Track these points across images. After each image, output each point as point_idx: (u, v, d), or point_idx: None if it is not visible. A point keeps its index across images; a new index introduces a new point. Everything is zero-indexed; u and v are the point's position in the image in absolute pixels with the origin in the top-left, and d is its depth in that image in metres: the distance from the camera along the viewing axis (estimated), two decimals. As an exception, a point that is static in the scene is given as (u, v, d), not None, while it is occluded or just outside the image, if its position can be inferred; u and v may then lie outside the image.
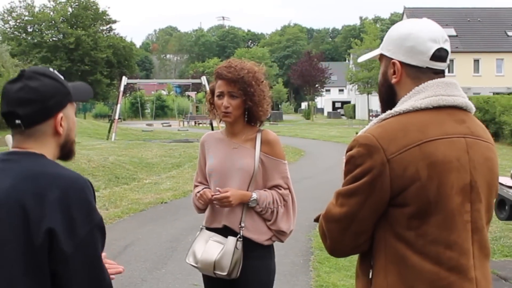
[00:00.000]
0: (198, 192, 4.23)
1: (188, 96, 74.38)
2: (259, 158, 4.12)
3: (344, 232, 2.63)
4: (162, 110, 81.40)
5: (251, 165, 4.11)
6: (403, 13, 74.15)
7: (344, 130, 46.94)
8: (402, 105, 2.63)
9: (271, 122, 57.58)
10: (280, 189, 4.16)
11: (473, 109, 2.70)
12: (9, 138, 10.57)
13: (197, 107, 66.16)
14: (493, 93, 45.62)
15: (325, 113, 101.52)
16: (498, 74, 65.69)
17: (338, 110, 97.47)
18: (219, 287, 4.23)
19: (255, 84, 4.11)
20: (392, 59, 2.68)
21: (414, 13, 70.15)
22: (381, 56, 2.77)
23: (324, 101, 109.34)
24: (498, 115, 33.54)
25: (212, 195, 4.03)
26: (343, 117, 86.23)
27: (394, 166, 2.49)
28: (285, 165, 4.26)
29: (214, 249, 4.09)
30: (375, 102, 71.25)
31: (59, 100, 2.68)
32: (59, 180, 2.52)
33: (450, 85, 2.66)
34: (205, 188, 4.23)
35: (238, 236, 4.06)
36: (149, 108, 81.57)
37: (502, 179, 7.17)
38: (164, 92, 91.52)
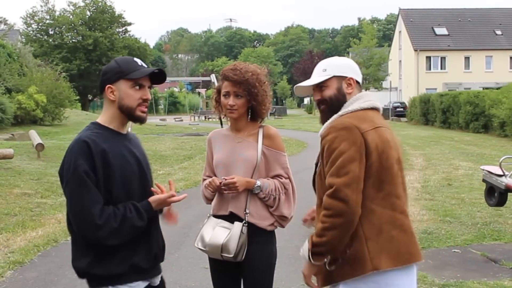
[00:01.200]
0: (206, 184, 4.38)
1: (199, 92, 74.78)
2: (261, 150, 4.29)
3: (358, 192, 3.32)
4: (174, 106, 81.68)
5: (254, 156, 4.28)
6: (398, 13, 74.63)
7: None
8: (352, 106, 3.56)
9: (276, 116, 57.47)
10: (281, 178, 4.31)
11: (381, 109, 3.84)
12: (32, 132, 10.83)
13: (207, 103, 66.19)
14: (483, 88, 45.59)
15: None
16: (487, 70, 65.96)
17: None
18: (225, 269, 4.37)
19: (258, 85, 4.28)
20: (347, 77, 3.62)
21: (409, 13, 70.68)
22: (332, 79, 3.61)
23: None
24: (487, 108, 33.68)
25: (220, 182, 4.17)
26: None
27: (366, 138, 3.37)
28: (285, 157, 4.42)
29: (221, 233, 4.21)
30: (372, 96, 71.42)
31: (109, 76, 3.52)
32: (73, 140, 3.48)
33: (371, 95, 3.77)
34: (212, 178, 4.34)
35: (243, 222, 4.20)
36: (162, 104, 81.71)
37: (491, 168, 7.20)
38: (176, 89, 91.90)
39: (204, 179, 4.48)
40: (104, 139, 3.44)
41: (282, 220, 4.35)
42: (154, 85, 3.64)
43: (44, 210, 11.51)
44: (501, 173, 6.90)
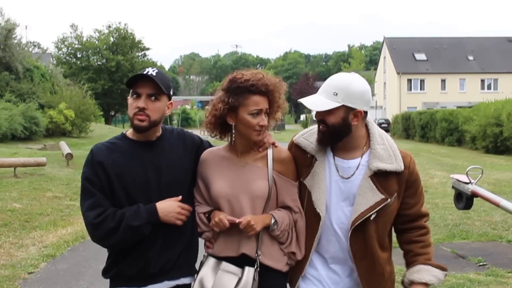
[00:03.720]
0: (204, 213, 3.19)
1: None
2: (272, 178, 3.10)
3: None
4: (186, 121, 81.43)
5: (265, 187, 3.09)
6: (383, 41, 74.54)
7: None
8: (386, 135, 3.18)
9: (276, 131, 57.79)
10: (292, 213, 3.16)
11: None
12: (62, 143, 10.97)
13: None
14: (457, 107, 45.65)
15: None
16: (461, 91, 66.02)
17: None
18: None
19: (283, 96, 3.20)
20: (356, 109, 2.99)
21: (392, 41, 70.66)
22: (340, 107, 2.97)
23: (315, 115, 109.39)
24: (460, 124, 33.68)
25: (230, 223, 3.00)
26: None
27: None
28: (296, 187, 3.19)
29: (228, 281, 3.06)
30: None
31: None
32: None
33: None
34: (213, 210, 3.17)
35: (256, 266, 3.06)
36: (175, 119, 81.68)
37: (460, 177, 7.29)
38: (188, 107, 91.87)
39: (197, 205, 3.27)
40: (114, 149, 3.14)
41: (292, 259, 3.17)
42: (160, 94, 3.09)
43: (72, 211, 11.50)
44: (468, 181, 6.99)
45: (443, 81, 66.71)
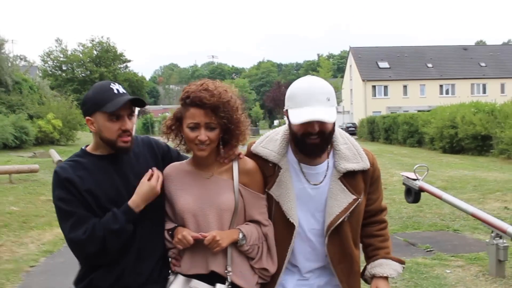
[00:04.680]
0: (168, 230, 2.87)
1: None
2: (238, 191, 2.78)
3: None
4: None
5: (231, 200, 2.76)
6: (349, 51, 74.83)
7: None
8: (346, 133, 3.00)
9: (251, 136, 57.78)
10: (261, 227, 2.85)
11: None
12: (52, 151, 11.55)
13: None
14: (418, 111, 46.32)
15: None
16: (422, 96, 66.54)
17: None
18: None
19: (239, 108, 2.81)
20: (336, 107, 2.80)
21: (357, 51, 71.07)
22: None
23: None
24: (420, 127, 34.18)
25: (194, 239, 2.70)
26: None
27: None
28: (264, 199, 2.87)
29: None
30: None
31: (86, 108, 2.82)
32: None
33: None
34: (177, 226, 2.84)
35: (227, 284, 2.74)
36: (156, 126, 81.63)
37: (408, 174, 7.81)
38: (168, 114, 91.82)
39: (164, 229, 2.90)
40: (78, 167, 2.81)
41: (264, 274, 2.86)
42: (138, 108, 2.99)
43: None
44: (415, 178, 7.56)
45: (405, 87, 67.18)
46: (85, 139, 41.90)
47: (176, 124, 2.85)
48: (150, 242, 2.88)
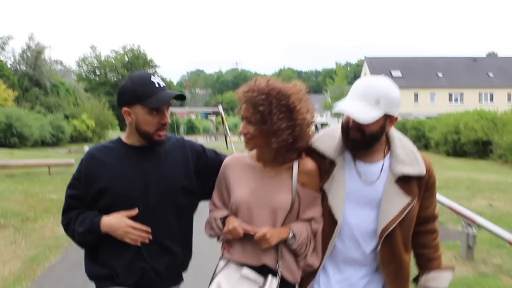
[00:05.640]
0: (221, 218, 2.74)
1: (211, 119, 75.83)
2: (295, 191, 2.66)
3: None
4: (192, 129, 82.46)
5: (287, 200, 2.65)
6: (364, 60, 74.68)
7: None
8: (405, 137, 2.83)
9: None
10: (312, 224, 2.74)
11: None
12: (86, 147, 12.79)
13: (217, 127, 67.26)
14: (427, 117, 46.48)
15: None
16: (432, 103, 66.23)
17: (319, 130, 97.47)
18: None
19: (279, 106, 2.56)
20: (393, 116, 2.60)
21: (372, 60, 71.03)
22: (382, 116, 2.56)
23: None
24: (427, 132, 34.50)
25: (245, 232, 2.61)
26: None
27: None
28: (319, 198, 2.75)
29: (246, 287, 2.65)
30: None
31: (125, 99, 2.71)
32: None
33: None
34: (228, 216, 2.73)
35: (278, 278, 2.65)
36: (182, 128, 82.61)
37: None
38: (193, 117, 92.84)
39: (212, 208, 2.87)
40: (107, 153, 2.78)
41: (308, 269, 2.77)
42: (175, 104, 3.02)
43: None
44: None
45: (416, 95, 66.87)
46: (115, 137, 42.92)
47: None
48: (165, 241, 2.76)
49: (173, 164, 2.80)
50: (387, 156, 2.70)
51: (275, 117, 2.54)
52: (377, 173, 2.67)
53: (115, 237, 2.66)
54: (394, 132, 2.76)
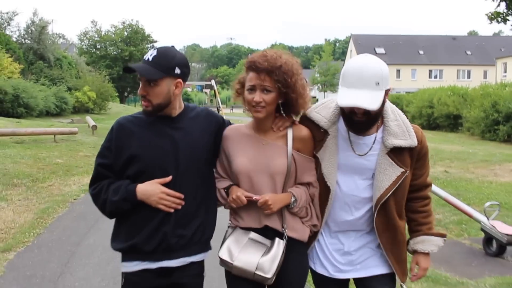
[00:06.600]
0: (224, 188, 2.78)
1: (205, 92, 76.24)
2: (291, 156, 2.69)
3: None
4: (187, 101, 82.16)
5: (284, 165, 2.67)
6: (350, 37, 74.85)
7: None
8: (397, 109, 2.78)
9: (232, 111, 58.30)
10: (309, 188, 2.77)
11: None
12: (88, 118, 13.78)
13: (211, 99, 67.58)
14: (407, 92, 46.84)
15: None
16: (413, 79, 66.69)
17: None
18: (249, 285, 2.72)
19: (296, 74, 2.66)
20: (389, 89, 2.58)
21: (357, 37, 71.22)
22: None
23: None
24: (404, 106, 34.59)
25: (248, 200, 2.64)
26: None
27: None
28: (313, 162, 2.77)
29: (255, 249, 2.69)
30: (331, 97, 72.27)
31: (187, 74, 2.74)
32: None
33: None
34: (232, 185, 2.76)
35: (285, 239, 2.69)
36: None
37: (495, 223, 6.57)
38: (189, 89, 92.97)
39: (218, 178, 2.85)
40: (135, 123, 2.70)
41: (312, 230, 2.82)
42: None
43: None
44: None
45: (398, 71, 66.82)
46: (115, 109, 43.38)
47: (241, 89, 2.75)
48: (192, 207, 2.71)
49: (197, 133, 2.75)
50: (380, 129, 2.68)
51: (293, 82, 2.62)
52: (369, 144, 2.66)
53: (148, 203, 2.61)
54: (387, 104, 2.70)
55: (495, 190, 10.52)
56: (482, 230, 6.64)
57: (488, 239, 6.60)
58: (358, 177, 2.69)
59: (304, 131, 2.75)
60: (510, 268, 6.10)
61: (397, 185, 2.62)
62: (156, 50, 2.64)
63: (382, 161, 2.63)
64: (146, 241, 2.63)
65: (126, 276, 2.70)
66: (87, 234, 7.00)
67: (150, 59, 2.60)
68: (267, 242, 2.68)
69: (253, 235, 2.70)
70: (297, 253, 2.74)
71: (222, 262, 2.70)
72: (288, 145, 2.69)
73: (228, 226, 2.80)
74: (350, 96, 2.47)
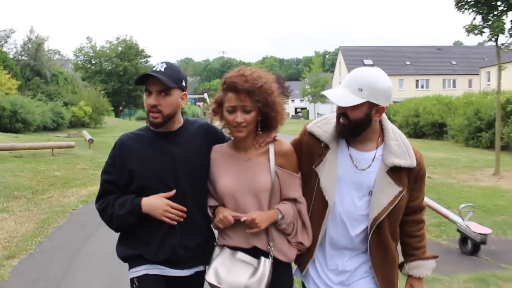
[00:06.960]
0: (211, 207, 2.78)
1: (198, 105, 76.44)
2: (274, 172, 2.64)
3: None
4: (181, 114, 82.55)
5: (267, 182, 2.63)
6: (339, 49, 74.72)
7: (300, 126, 48.19)
8: (398, 130, 2.76)
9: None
10: (296, 204, 2.70)
11: None
12: (84, 132, 14.14)
13: (204, 112, 67.73)
14: (395, 102, 47.04)
15: (290, 116, 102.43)
16: (400, 89, 65.55)
17: (299, 114, 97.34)
18: None
19: (273, 92, 2.65)
20: (379, 105, 2.54)
21: (346, 49, 71.20)
22: (365, 103, 2.51)
23: (289, 108, 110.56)
24: (391, 116, 34.99)
25: (235, 219, 2.59)
26: (301, 118, 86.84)
27: None
28: (298, 178, 2.74)
29: (242, 270, 2.63)
30: (321, 108, 72.58)
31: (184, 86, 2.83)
32: None
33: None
34: (219, 206, 2.73)
35: (271, 258, 2.64)
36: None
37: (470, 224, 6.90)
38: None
39: (208, 205, 2.79)
40: (136, 140, 2.75)
41: (300, 248, 2.74)
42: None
43: (96, 177, 12.73)
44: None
45: None
46: (111, 123, 43.39)
47: (219, 108, 2.69)
48: (195, 219, 2.74)
49: (197, 147, 2.76)
50: (380, 147, 2.65)
51: (272, 100, 2.61)
52: (369, 161, 2.63)
53: (153, 216, 2.65)
54: (389, 124, 2.71)
55: (474, 194, 10.84)
56: (458, 230, 6.95)
57: (464, 238, 6.86)
58: (356, 193, 2.65)
59: (285, 146, 2.71)
60: (483, 265, 6.35)
61: (394, 204, 2.59)
62: (165, 63, 2.70)
63: (381, 179, 2.60)
64: (155, 255, 2.69)
65: (137, 280, 2.73)
66: (86, 241, 7.24)
67: (162, 70, 2.64)
68: (254, 261, 2.63)
69: (240, 255, 2.66)
70: (282, 275, 2.68)
71: (210, 286, 2.66)
72: (270, 161, 2.65)
73: (216, 245, 2.79)
74: (331, 90, 2.58)
